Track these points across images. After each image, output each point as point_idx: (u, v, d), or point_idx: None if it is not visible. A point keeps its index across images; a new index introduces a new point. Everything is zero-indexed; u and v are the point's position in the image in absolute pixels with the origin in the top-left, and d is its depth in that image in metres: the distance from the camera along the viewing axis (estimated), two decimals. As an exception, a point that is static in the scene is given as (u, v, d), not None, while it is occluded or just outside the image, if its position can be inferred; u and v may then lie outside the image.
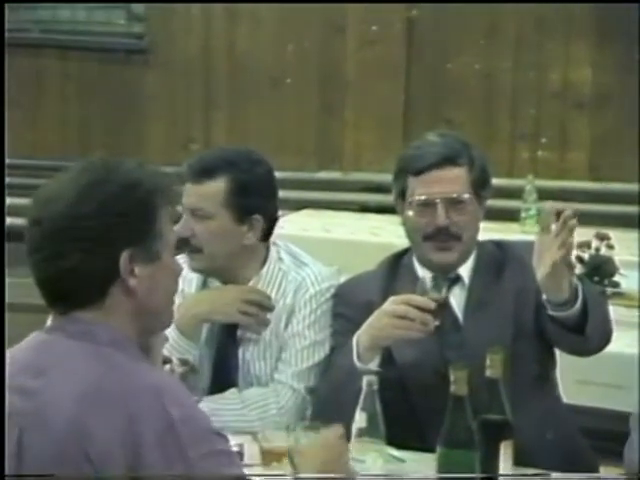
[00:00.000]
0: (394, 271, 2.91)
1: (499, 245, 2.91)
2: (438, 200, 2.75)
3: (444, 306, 2.71)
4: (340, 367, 2.77)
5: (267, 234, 3.03)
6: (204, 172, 2.93)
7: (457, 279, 2.85)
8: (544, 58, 6.41)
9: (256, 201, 2.97)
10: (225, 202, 2.93)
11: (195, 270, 3.01)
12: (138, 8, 7.03)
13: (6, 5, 7.04)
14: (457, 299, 2.84)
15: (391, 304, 2.69)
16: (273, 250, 3.06)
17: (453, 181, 2.78)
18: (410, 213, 2.80)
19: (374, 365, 2.71)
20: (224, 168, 2.94)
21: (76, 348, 1.93)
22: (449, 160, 2.78)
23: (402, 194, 2.84)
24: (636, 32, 6.19)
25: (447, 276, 2.84)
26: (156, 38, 7.02)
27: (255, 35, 6.84)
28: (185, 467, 1.81)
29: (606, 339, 2.78)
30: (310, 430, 2.38)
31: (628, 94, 6.23)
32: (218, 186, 2.92)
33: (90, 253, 1.92)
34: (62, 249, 1.94)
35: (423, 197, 2.77)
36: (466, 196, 2.77)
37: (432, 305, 2.66)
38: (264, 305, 2.95)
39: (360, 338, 2.72)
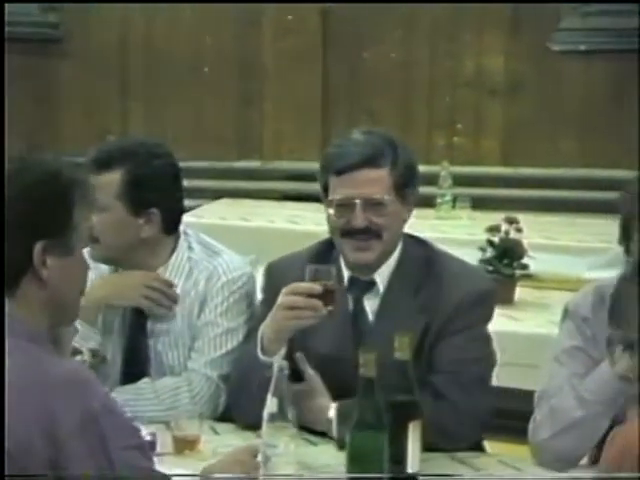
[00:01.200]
0: (323, 258, 2.86)
1: (429, 257, 2.85)
2: (357, 201, 2.73)
3: (333, 292, 2.67)
4: (249, 356, 2.77)
5: (171, 226, 3.02)
6: (102, 163, 2.91)
7: (372, 284, 2.83)
8: (458, 47, 6.46)
9: (153, 195, 2.95)
10: (120, 194, 2.91)
11: (95, 259, 2.97)
12: (53, -2, 6.99)
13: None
14: (370, 306, 2.83)
15: (281, 296, 2.70)
16: (183, 240, 3.05)
17: (373, 183, 2.74)
18: (330, 211, 2.79)
19: (279, 357, 2.70)
20: (121, 160, 2.92)
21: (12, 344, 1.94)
22: (370, 161, 2.74)
23: (325, 191, 2.82)
24: (548, 22, 6.28)
25: (362, 279, 2.83)
26: (72, 27, 6.97)
27: (172, 25, 6.82)
28: (105, 459, 1.83)
29: None
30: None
31: (539, 82, 6.33)
32: (113, 178, 2.90)
33: (8, 240, 1.94)
34: None
35: (342, 197, 2.76)
36: (386, 197, 2.74)
37: (317, 290, 2.65)
38: (167, 292, 2.95)
39: (264, 331, 2.74)
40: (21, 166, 1.97)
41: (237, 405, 2.83)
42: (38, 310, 1.97)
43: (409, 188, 2.81)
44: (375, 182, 2.75)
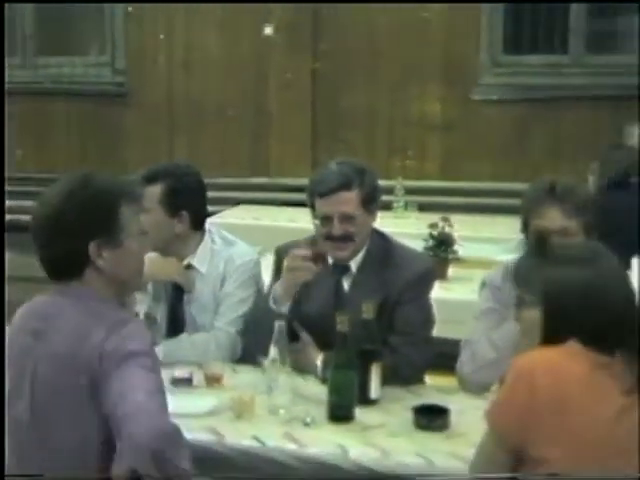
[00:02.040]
0: (314, 245, 2.83)
1: (388, 247, 2.84)
2: (335, 216, 2.74)
3: (320, 256, 2.72)
4: (261, 308, 2.79)
5: (198, 225, 3.01)
6: (149, 179, 2.91)
7: (348, 268, 2.83)
8: (408, 95, 6.41)
9: (182, 201, 2.95)
10: (160, 201, 2.92)
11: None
12: (120, 64, 6.92)
13: (24, 62, 7.00)
14: (347, 282, 2.83)
15: (285, 261, 2.74)
16: (207, 235, 3.05)
17: (346, 202, 2.73)
18: (317, 222, 2.79)
19: (285, 309, 2.71)
20: (162, 176, 2.92)
21: (69, 303, 1.96)
22: (343, 186, 2.73)
23: (312, 207, 2.82)
24: (471, 78, 6.27)
25: (341, 264, 2.83)
26: (133, 85, 6.93)
27: (204, 81, 6.77)
28: (122, 350, 1.83)
29: None
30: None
31: (466, 121, 6.32)
32: (156, 189, 2.91)
33: (67, 244, 1.94)
34: (47, 241, 1.95)
35: (324, 213, 2.76)
36: (356, 212, 2.74)
37: (308, 252, 2.69)
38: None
39: (276, 289, 2.75)
40: (79, 186, 1.97)
41: (251, 342, 2.84)
42: (102, 286, 1.98)
43: (373, 203, 2.80)
44: (348, 201, 2.74)
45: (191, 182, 2.99)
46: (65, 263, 1.96)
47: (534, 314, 1.94)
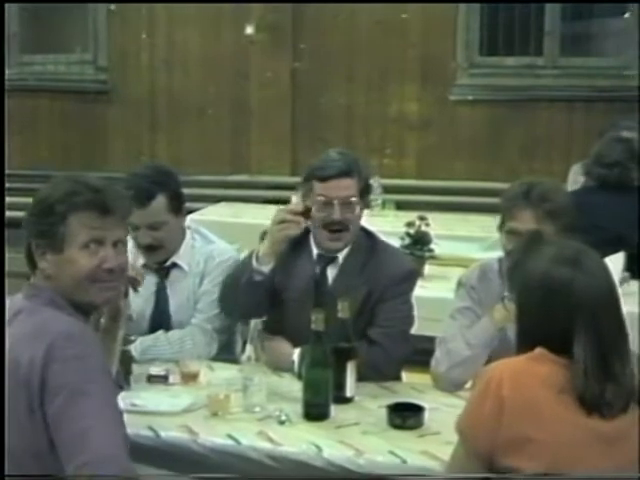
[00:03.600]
0: (295, 244, 2.80)
1: (373, 243, 2.81)
2: (335, 201, 2.70)
3: (309, 211, 2.67)
4: (242, 264, 2.75)
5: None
6: (146, 197, 2.83)
7: (335, 259, 2.79)
8: (386, 95, 6.39)
9: (181, 199, 2.93)
10: (169, 210, 2.88)
11: (154, 262, 2.93)
12: (103, 62, 6.85)
13: (9, 60, 6.93)
14: (331, 273, 2.79)
15: (274, 215, 2.67)
16: (188, 232, 3.00)
17: (347, 188, 2.70)
18: (314, 208, 2.73)
19: (267, 268, 2.66)
20: (159, 188, 2.86)
21: (26, 306, 1.92)
22: (345, 173, 2.70)
23: (306, 195, 2.76)
24: (447, 79, 6.25)
25: (327, 255, 2.78)
26: (116, 83, 6.86)
27: (186, 79, 6.72)
28: (69, 383, 1.75)
29: None
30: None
31: (442, 121, 6.30)
32: (160, 202, 2.85)
33: (26, 239, 1.95)
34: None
35: (325, 197, 2.71)
36: (354, 199, 2.71)
37: (300, 207, 2.66)
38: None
39: (260, 248, 2.69)
40: (49, 184, 1.96)
41: (227, 298, 2.76)
42: (51, 287, 1.92)
43: (367, 194, 2.79)
44: (348, 188, 2.71)
45: (176, 178, 2.97)
46: (26, 257, 1.96)
47: (512, 310, 1.90)
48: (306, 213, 2.65)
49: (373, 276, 2.72)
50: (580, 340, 1.79)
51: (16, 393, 1.77)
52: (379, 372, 2.63)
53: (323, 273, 2.77)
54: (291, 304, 2.74)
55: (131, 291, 2.89)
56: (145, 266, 2.97)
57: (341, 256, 2.77)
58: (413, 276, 2.84)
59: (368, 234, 2.84)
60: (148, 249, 2.88)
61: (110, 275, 1.94)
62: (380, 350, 2.65)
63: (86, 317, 1.97)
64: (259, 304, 2.66)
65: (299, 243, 2.78)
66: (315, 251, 2.79)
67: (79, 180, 1.96)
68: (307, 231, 2.82)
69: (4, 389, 1.78)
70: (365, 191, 2.77)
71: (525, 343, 1.86)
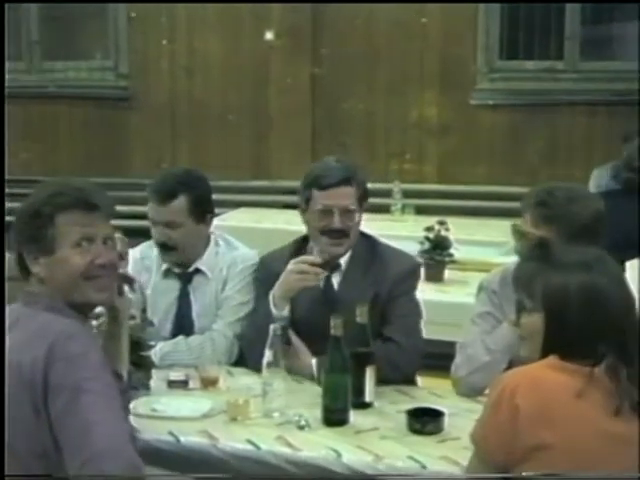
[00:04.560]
0: (298, 251, 2.84)
1: (373, 246, 2.83)
2: (335, 209, 2.71)
3: (328, 263, 2.69)
4: (261, 315, 2.73)
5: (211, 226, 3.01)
6: (168, 195, 2.86)
7: (338, 265, 2.80)
8: (406, 100, 6.38)
9: (206, 205, 2.94)
10: (189, 213, 2.88)
11: (169, 262, 2.95)
12: (124, 68, 6.89)
13: (31, 67, 6.99)
14: (336, 280, 2.80)
15: (292, 265, 2.68)
16: (212, 238, 3.02)
17: (346, 196, 2.72)
18: (313, 216, 2.75)
19: (285, 312, 2.68)
20: (182, 189, 2.88)
21: (25, 312, 1.93)
22: (345, 181, 2.73)
23: (307, 201, 2.78)
24: (467, 83, 6.24)
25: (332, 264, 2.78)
26: (136, 89, 6.88)
27: (206, 85, 6.74)
28: (72, 381, 1.76)
29: None
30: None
31: (462, 126, 6.28)
32: (181, 203, 2.87)
33: (16, 247, 1.97)
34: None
35: (325, 206, 2.72)
36: (353, 207, 2.73)
37: (319, 260, 2.66)
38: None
39: (275, 292, 2.70)
40: (35, 190, 1.98)
41: (254, 352, 2.67)
42: (47, 291, 1.93)
43: (364, 201, 2.80)
44: (347, 196, 2.73)
45: (206, 186, 2.99)
46: (17, 265, 1.97)
47: (534, 319, 1.90)
48: (325, 265, 2.67)
49: (378, 278, 2.75)
50: (612, 344, 1.81)
51: (20, 395, 1.78)
52: (398, 368, 2.65)
53: (328, 280, 2.78)
54: (302, 317, 2.74)
55: (151, 294, 2.94)
56: (168, 271, 2.99)
57: (343, 263, 2.79)
58: (417, 272, 2.89)
59: (367, 237, 2.86)
60: (162, 247, 2.91)
61: (103, 271, 1.96)
62: (395, 346, 2.67)
63: (84, 318, 1.98)
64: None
65: (301, 252, 2.80)
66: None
67: (61, 182, 2.00)
68: (304, 242, 2.84)
69: (4, 389, 1.79)
70: (363, 198, 2.79)
71: (551, 351, 1.86)
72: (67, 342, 1.80)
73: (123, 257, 2.65)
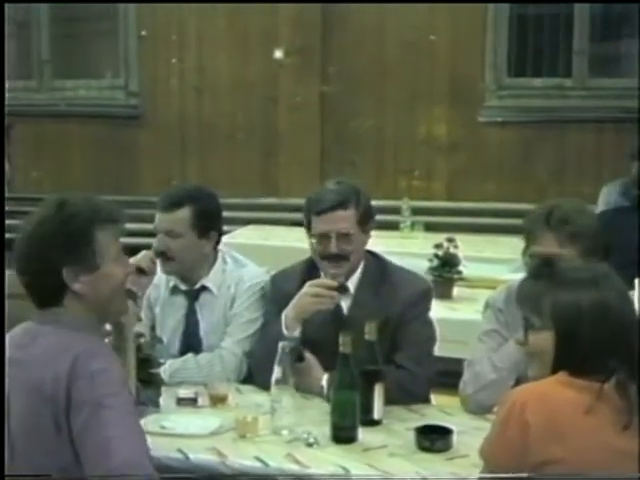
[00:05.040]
0: (309, 271, 2.85)
1: (383, 267, 2.82)
2: (332, 235, 2.71)
3: (343, 286, 2.70)
4: (272, 335, 2.72)
5: (216, 243, 3.02)
6: (174, 204, 2.89)
7: (346, 289, 2.79)
8: (415, 117, 6.40)
9: (211, 221, 2.95)
10: (191, 225, 2.90)
11: (167, 273, 2.98)
12: (134, 87, 6.94)
13: (42, 85, 7.04)
14: (345, 303, 2.79)
15: (307, 287, 2.68)
16: (219, 256, 3.03)
17: (343, 220, 2.71)
18: (313, 240, 2.77)
19: (296, 333, 2.69)
20: (188, 200, 2.91)
21: (44, 330, 1.93)
22: (340, 205, 2.71)
23: (308, 225, 2.79)
24: (476, 101, 6.26)
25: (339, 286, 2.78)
26: (146, 108, 6.94)
27: (215, 103, 6.78)
28: (93, 397, 1.77)
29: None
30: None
31: (471, 143, 6.31)
32: (185, 213, 2.89)
33: (42, 271, 1.91)
34: (24, 268, 1.93)
35: (321, 231, 2.73)
36: (351, 231, 2.72)
37: (335, 283, 2.66)
38: None
39: (287, 313, 2.70)
40: (52, 212, 1.92)
41: (264, 371, 2.62)
42: (83, 309, 1.93)
43: (368, 222, 2.78)
44: (344, 220, 2.71)
45: (214, 202, 3.00)
46: (42, 290, 1.92)
47: (544, 337, 1.90)
48: (340, 288, 2.67)
49: (388, 301, 2.72)
50: (621, 360, 1.83)
51: (41, 411, 1.80)
52: (409, 394, 2.64)
53: (337, 305, 2.76)
54: (312, 335, 2.73)
55: (159, 312, 2.96)
56: (175, 288, 3.01)
57: (352, 284, 2.78)
58: (429, 295, 2.83)
59: (376, 257, 2.84)
60: (160, 256, 2.90)
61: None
62: (407, 374, 2.66)
63: (103, 336, 2.02)
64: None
65: (310, 275, 2.79)
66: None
67: (84, 197, 1.98)
68: (314, 266, 2.83)
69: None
70: (365, 219, 2.76)
71: (561, 368, 1.87)
72: (89, 359, 1.82)
73: (147, 273, 2.69)
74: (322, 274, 2.80)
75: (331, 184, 2.80)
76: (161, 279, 3.01)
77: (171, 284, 3.02)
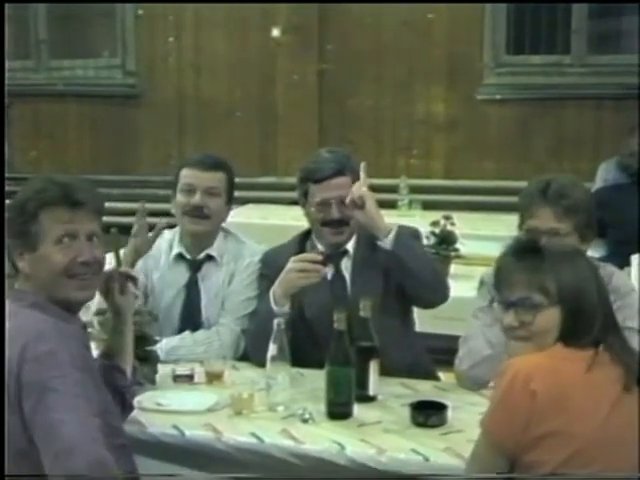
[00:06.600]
0: (301, 245, 2.88)
1: None
2: (332, 201, 2.75)
3: (329, 258, 2.70)
4: (262, 311, 2.74)
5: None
6: (213, 166, 2.94)
7: (345, 252, 2.83)
8: (413, 96, 6.38)
9: (233, 192, 3.02)
10: (224, 188, 2.96)
11: (197, 232, 2.97)
12: (131, 66, 6.92)
13: (39, 65, 7.02)
14: (345, 265, 2.83)
15: (292, 263, 2.68)
16: (220, 232, 3.04)
17: (341, 186, 2.75)
18: (312, 209, 2.78)
19: (286, 308, 2.69)
20: (222, 167, 2.97)
21: (13, 307, 1.94)
22: (339, 172, 2.76)
23: (305, 195, 2.81)
24: (474, 78, 6.24)
25: (338, 251, 2.83)
26: (144, 87, 6.91)
27: (213, 82, 6.76)
28: (40, 380, 1.77)
29: (442, 291, 2.78)
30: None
31: (469, 121, 6.29)
32: (222, 176, 2.95)
33: (7, 244, 1.99)
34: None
35: (321, 198, 2.76)
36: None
37: (319, 257, 2.67)
38: None
39: (275, 289, 2.70)
40: (23, 187, 1.98)
41: (257, 348, 2.67)
42: (33, 290, 1.94)
43: None
44: (343, 186, 2.75)
45: (233, 174, 3.05)
46: (9, 261, 1.98)
47: (550, 314, 1.89)
48: (325, 261, 2.67)
49: (383, 249, 2.73)
50: (617, 331, 1.92)
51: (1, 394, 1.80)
52: (440, 277, 2.79)
53: (338, 271, 2.81)
54: (315, 302, 2.76)
55: (157, 283, 2.95)
56: (178, 257, 3.00)
57: (350, 247, 2.83)
58: (418, 235, 2.91)
59: None
60: (195, 214, 2.91)
61: (86, 268, 1.96)
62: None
63: (71, 315, 1.98)
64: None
65: (301, 250, 2.81)
66: (322, 249, 2.81)
67: (48, 178, 1.99)
68: (307, 237, 2.86)
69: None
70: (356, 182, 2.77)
71: (563, 341, 1.88)
72: (37, 342, 1.81)
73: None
74: (317, 245, 2.81)
75: (324, 153, 2.85)
76: (160, 248, 3.00)
77: (174, 252, 3.01)
